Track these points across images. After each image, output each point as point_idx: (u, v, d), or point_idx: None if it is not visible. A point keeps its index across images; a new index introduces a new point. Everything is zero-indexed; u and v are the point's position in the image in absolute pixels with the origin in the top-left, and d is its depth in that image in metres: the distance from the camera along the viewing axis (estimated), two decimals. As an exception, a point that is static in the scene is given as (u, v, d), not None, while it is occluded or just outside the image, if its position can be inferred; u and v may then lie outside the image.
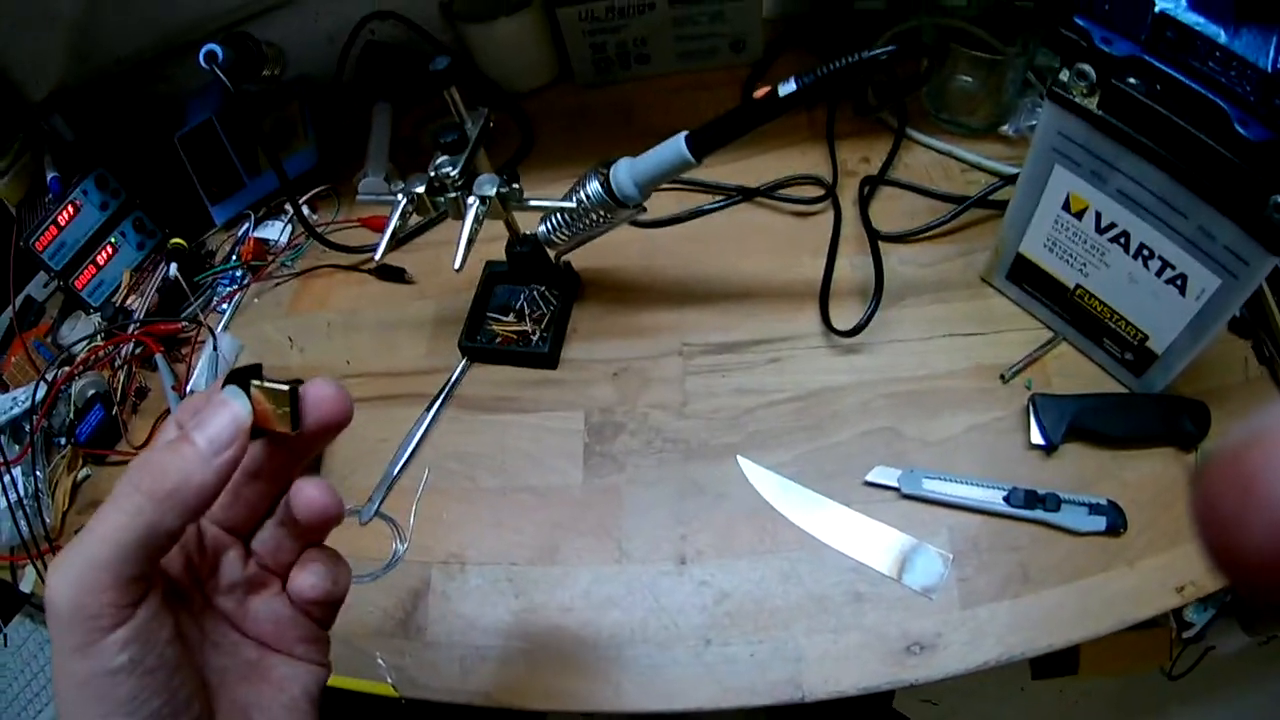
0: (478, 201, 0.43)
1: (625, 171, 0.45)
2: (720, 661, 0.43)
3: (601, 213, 0.46)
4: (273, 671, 0.26)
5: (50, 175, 0.62)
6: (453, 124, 0.45)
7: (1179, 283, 0.47)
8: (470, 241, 0.43)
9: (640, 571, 0.46)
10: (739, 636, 0.44)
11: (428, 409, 0.52)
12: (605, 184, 0.45)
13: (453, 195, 0.45)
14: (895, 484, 0.48)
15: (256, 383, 0.23)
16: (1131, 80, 0.43)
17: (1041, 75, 0.58)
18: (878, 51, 0.41)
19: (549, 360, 0.52)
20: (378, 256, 0.44)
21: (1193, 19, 0.43)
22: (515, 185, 0.45)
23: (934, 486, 0.48)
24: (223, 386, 0.23)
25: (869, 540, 0.47)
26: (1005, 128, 0.58)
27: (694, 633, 0.44)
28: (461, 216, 0.45)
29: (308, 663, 0.27)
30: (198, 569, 0.25)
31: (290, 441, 0.24)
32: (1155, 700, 1.05)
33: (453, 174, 0.44)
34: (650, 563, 0.47)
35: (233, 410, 0.23)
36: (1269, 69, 0.40)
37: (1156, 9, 0.44)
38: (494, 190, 0.44)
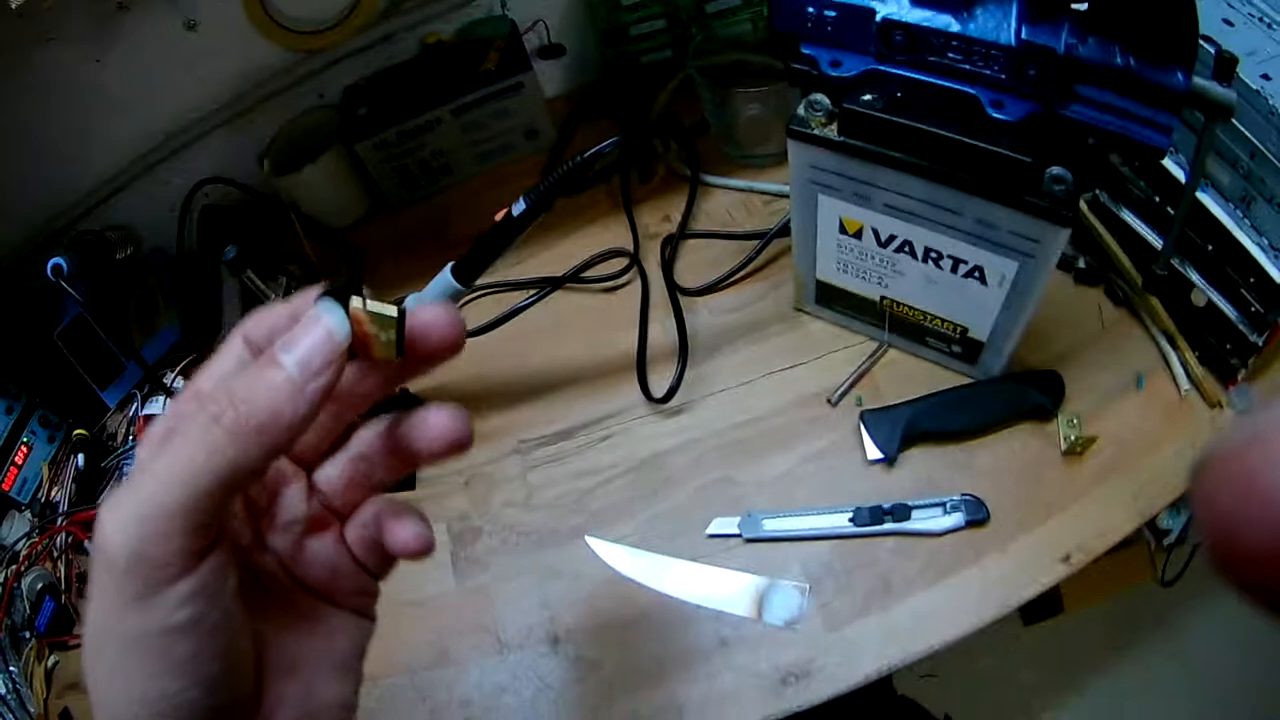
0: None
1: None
2: (609, 726, 0.47)
3: (403, 348, 0.49)
4: (322, 623, 0.23)
5: (-44, 390, 0.68)
6: (260, 302, 0.49)
7: (977, 274, 0.47)
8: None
9: (520, 657, 0.50)
10: (622, 700, 0.47)
11: (310, 547, 0.56)
12: (397, 324, 0.48)
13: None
14: (737, 531, 0.50)
15: (358, 300, 0.20)
16: (866, 97, 0.43)
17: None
18: (595, 150, 0.43)
19: (407, 483, 0.55)
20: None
21: (919, 15, 0.42)
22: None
23: (775, 525, 0.50)
24: (317, 300, 0.19)
25: (723, 588, 0.50)
26: (800, 149, 0.59)
27: (580, 705, 0.47)
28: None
29: (358, 615, 0.24)
30: (254, 503, 0.23)
31: (385, 368, 0.21)
32: (1153, 611, 1.05)
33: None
34: (527, 648, 0.50)
35: (327, 327, 0.19)
36: (1013, 43, 0.40)
37: (879, 17, 0.43)
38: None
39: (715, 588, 0.50)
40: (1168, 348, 0.53)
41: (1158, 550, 0.92)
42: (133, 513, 0.18)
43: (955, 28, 0.42)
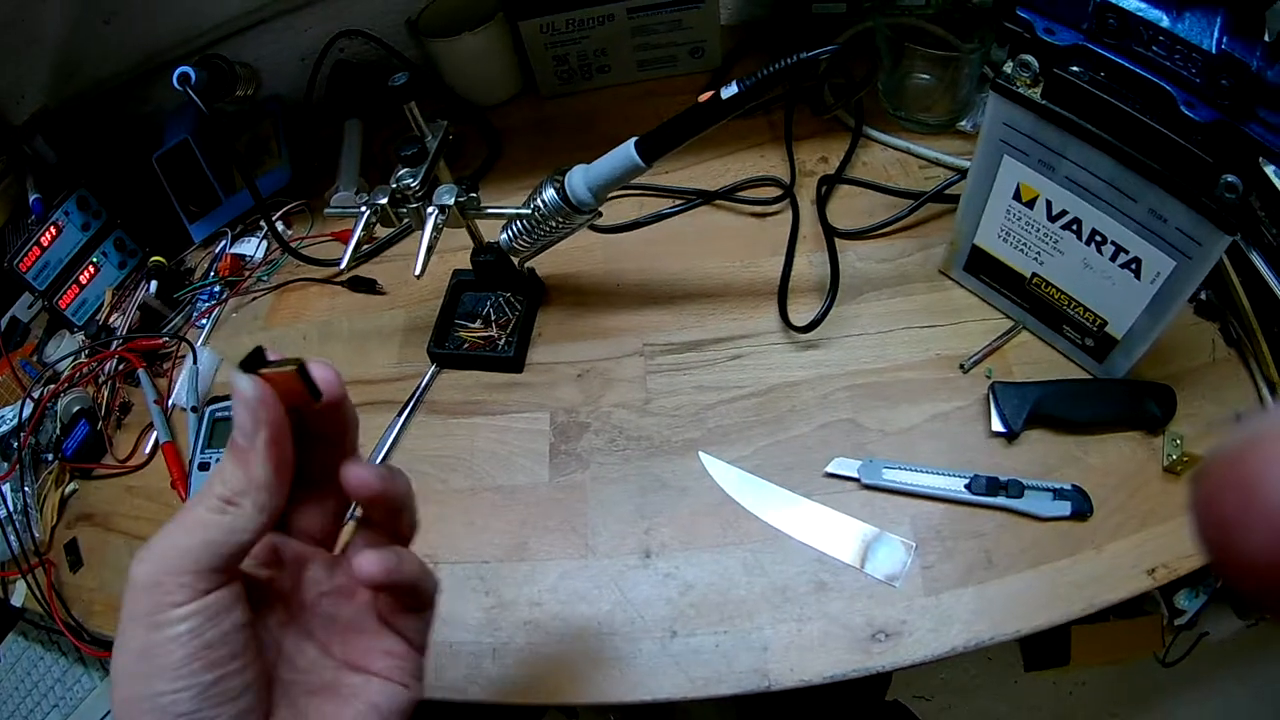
0: (436, 211, 0.45)
1: (579, 178, 0.46)
2: (686, 652, 0.44)
3: (559, 219, 0.47)
4: (344, 687, 0.26)
5: (33, 197, 0.64)
6: (413, 137, 0.47)
7: (1133, 267, 0.47)
8: (430, 249, 0.44)
9: (606, 566, 0.47)
10: (705, 627, 0.45)
11: (399, 414, 0.53)
12: (560, 191, 0.46)
13: (414, 206, 0.46)
14: (855, 475, 0.48)
15: (265, 368, 0.23)
16: (1075, 69, 0.43)
17: (998, 70, 0.59)
18: (817, 52, 0.42)
19: (515, 364, 0.53)
20: (342, 265, 0.45)
21: (1134, 5, 0.43)
22: (473, 194, 0.46)
23: (894, 476, 0.49)
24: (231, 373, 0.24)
25: (831, 530, 0.48)
26: (963, 123, 0.59)
27: (660, 624, 0.45)
28: (423, 226, 0.46)
29: (383, 679, 0.26)
30: (279, 582, 0.26)
31: (316, 422, 0.24)
32: (1150, 688, 1.04)
33: (413, 185, 0.46)
34: (616, 557, 0.47)
35: (240, 394, 0.23)
36: (1212, 50, 0.40)
37: (1098, -4, 0.44)
38: (452, 199, 0.45)
39: (823, 528, 0.48)
40: (1268, 395, 0.53)
41: (1168, 628, 0.92)
42: (156, 549, 0.22)
43: (1164, 23, 0.43)
